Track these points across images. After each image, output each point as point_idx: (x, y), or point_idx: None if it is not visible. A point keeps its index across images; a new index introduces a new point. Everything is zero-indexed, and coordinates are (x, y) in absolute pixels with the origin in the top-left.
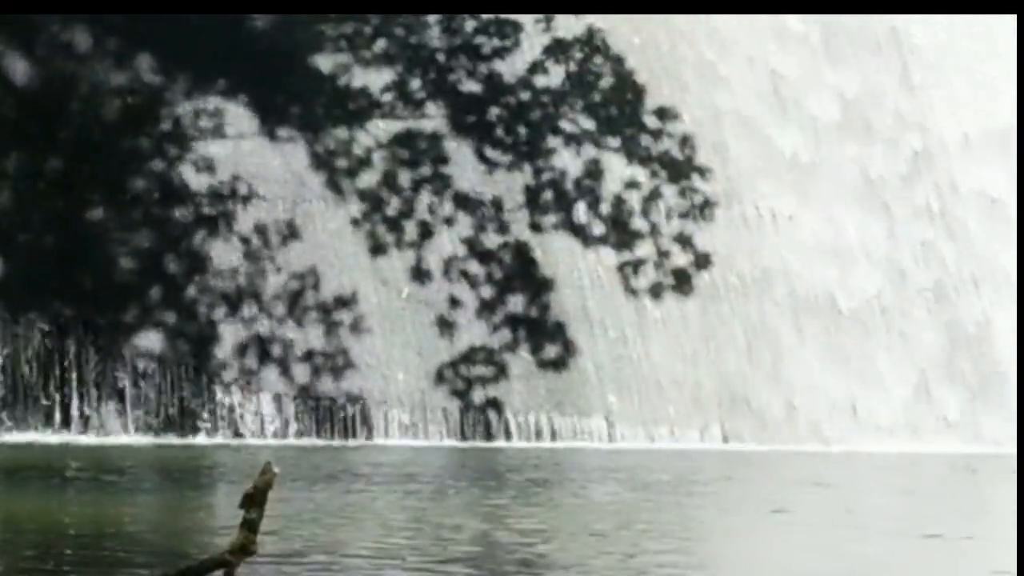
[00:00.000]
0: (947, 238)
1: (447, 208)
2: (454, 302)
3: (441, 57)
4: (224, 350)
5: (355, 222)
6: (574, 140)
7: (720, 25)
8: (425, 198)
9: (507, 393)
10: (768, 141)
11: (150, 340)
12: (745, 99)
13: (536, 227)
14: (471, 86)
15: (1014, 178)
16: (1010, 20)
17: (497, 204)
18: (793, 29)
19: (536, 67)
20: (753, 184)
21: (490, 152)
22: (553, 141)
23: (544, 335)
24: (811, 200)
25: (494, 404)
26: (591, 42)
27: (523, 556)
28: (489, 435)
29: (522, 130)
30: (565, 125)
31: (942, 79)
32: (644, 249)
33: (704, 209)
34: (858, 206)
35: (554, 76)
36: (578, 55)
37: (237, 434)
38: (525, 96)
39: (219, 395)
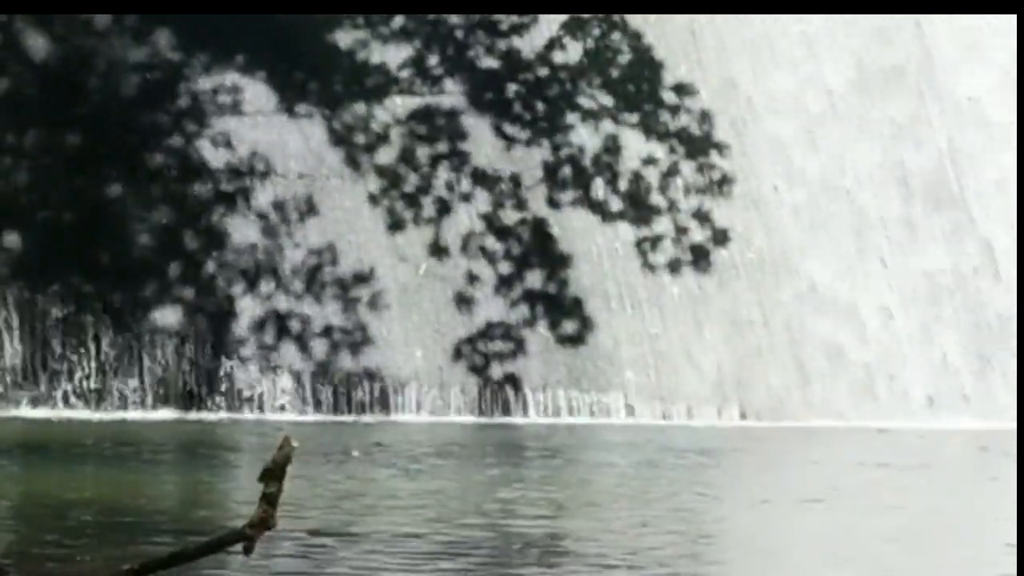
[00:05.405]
0: (966, 216)
1: (465, 184)
2: (472, 278)
3: (459, 33)
4: (242, 326)
5: (373, 198)
6: (592, 116)
7: None
8: (443, 174)
9: (525, 369)
10: (787, 117)
11: (168, 316)
12: (764, 75)
13: (554, 203)
14: (489, 62)
15: None
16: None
17: (515, 180)
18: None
19: (554, 43)
20: (771, 160)
21: (508, 128)
22: (571, 117)
23: (562, 311)
24: (830, 177)
25: (512, 380)
26: (609, 18)
27: (535, 533)
28: (507, 411)
29: (540, 106)
30: (583, 101)
31: (963, 60)
32: (662, 225)
33: (722, 185)
34: (877, 184)
35: (572, 52)
36: (596, 31)
37: (255, 409)
38: (543, 72)
39: (237, 371)
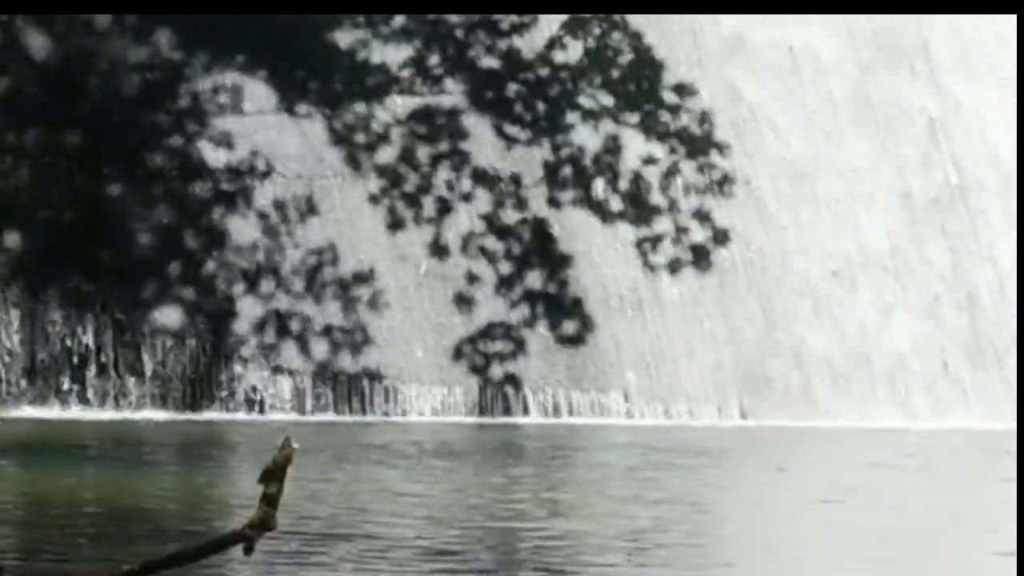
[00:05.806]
0: (965, 214)
1: (465, 184)
2: (472, 278)
3: (459, 33)
4: (242, 326)
5: (373, 198)
6: (592, 116)
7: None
8: (443, 174)
9: (525, 369)
10: (786, 116)
11: (169, 316)
12: (763, 75)
13: (554, 203)
14: (489, 62)
15: None
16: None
17: (515, 180)
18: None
19: (554, 43)
20: (772, 160)
21: (508, 128)
22: (571, 117)
23: (562, 311)
24: (829, 176)
25: (512, 380)
26: (609, 18)
27: (536, 533)
28: (507, 411)
29: (540, 106)
30: (583, 101)
31: (963, 65)
32: (662, 225)
33: (722, 185)
34: (876, 182)
35: (572, 52)
36: (596, 31)
37: (255, 410)
38: (544, 72)
39: (237, 371)
